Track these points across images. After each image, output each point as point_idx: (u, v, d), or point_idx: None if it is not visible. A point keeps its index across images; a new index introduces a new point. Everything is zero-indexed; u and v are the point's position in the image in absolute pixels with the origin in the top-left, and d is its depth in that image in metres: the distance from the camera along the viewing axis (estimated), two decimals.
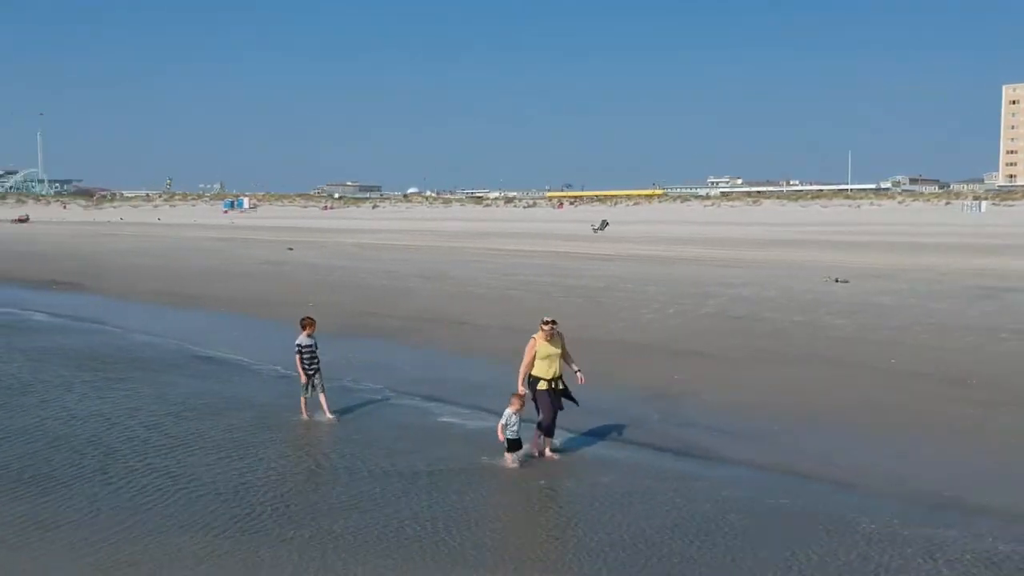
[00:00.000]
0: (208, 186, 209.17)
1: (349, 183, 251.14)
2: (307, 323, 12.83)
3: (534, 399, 10.76)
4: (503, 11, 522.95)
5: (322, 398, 12.65)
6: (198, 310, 24.95)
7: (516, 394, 10.58)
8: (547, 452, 10.80)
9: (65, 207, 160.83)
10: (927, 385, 13.97)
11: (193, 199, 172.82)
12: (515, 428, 10.35)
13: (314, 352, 12.71)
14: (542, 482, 9.97)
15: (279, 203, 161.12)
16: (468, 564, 7.57)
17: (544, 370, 10.76)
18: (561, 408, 10.87)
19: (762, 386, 14.18)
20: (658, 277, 28.90)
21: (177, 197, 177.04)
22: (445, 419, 12.74)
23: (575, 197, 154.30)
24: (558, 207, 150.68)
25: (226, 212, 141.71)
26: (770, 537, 8.18)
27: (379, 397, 14.09)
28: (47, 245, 53.51)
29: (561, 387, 10.87)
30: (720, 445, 11.29)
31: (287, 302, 23.60)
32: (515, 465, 10.33)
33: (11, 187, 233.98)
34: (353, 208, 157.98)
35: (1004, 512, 8.71)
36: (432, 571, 7.42)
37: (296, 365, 12.71)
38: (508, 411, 10.32)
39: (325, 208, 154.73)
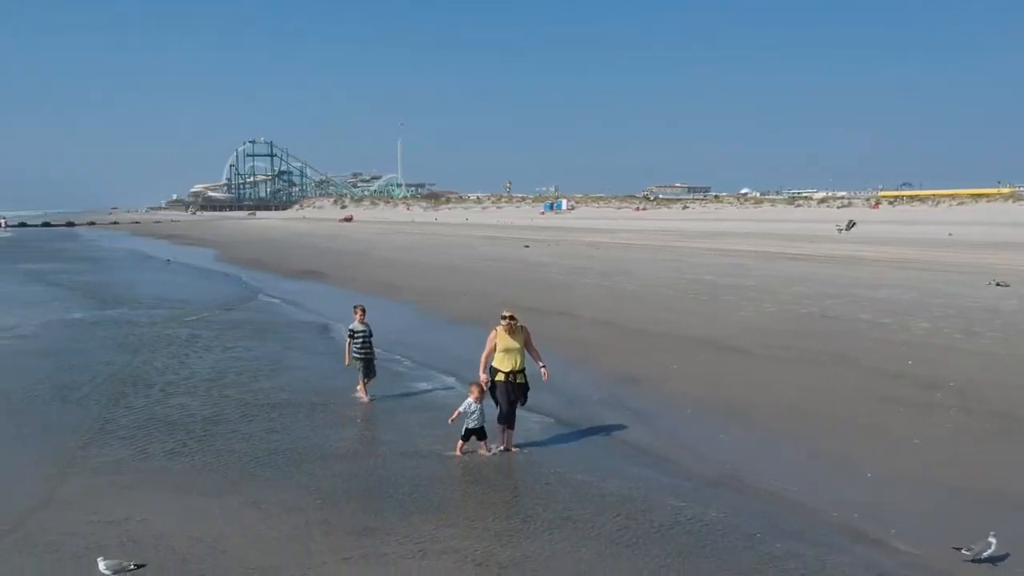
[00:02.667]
0: (544, 189, 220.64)
1: (678, 184, 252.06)
2: (358, 310, 13.69)
3: (492, 390, 10.87)
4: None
5: (363, 382, 13.43)
6: (385, 298, 28.64)
7: (475, 383, 10.79)
8: (511, 446, 10.86)
9: (409, 208, 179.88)
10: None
11: (518, 201, 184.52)
12: (475, 416, 10.55)
13: (365, 338, 13.44)
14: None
15: (595, 204, 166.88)
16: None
17: (503, 362, 10.80)
18: (522, 402, 11.01)
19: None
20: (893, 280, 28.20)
21: (503, 199, 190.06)
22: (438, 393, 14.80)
23: (898, 196, 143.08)
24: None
25: (542, 213, 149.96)
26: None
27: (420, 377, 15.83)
28: (339, 242, 61.91)
29: (520, 381, 10.86)
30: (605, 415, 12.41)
31: (457, 292, 27.11)
32: (463, 455, 10.60)
33: (374, 190, 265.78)
34: (664, 209, 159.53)
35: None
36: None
37: (345, 347, 13.70)
38: (468, 400, 10.58)
39: (637, 209, 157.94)
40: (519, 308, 23.32)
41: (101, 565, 7.06)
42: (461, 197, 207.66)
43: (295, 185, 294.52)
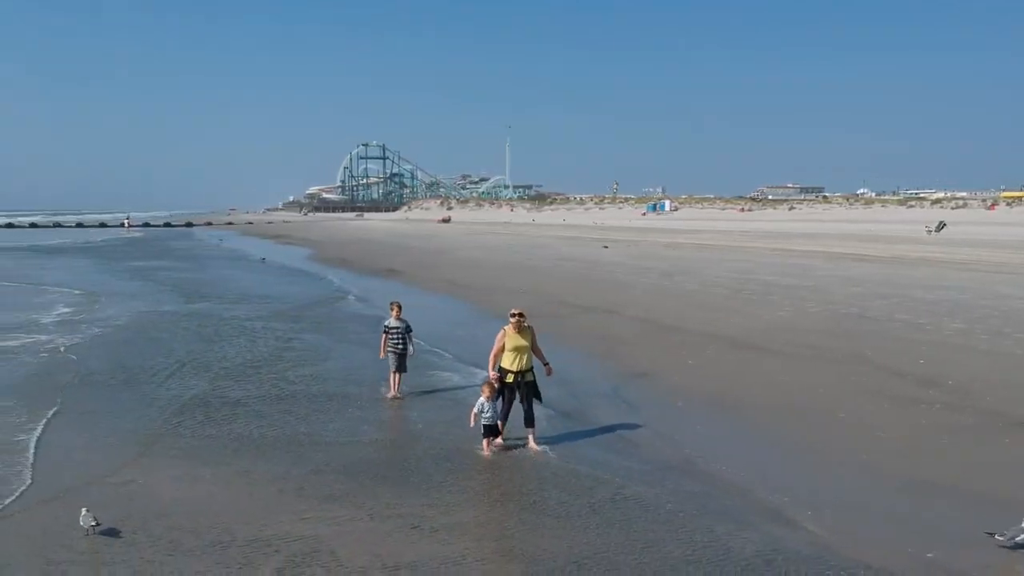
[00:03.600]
0: (651, 190, 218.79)
1: (789, 184, 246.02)
2: (394, 307, 14.11)
3: (501, 390, 11.04)
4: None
5: (396, 376, 13.73)
6: (447, 294, 29.82)
7: (486, 382, 11.00)
8: (532, 444, 10.95)
9: (512, 209, 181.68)
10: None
11: (621, 202, 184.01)
12: (489, 415, 10.76)
13: (400, 334, 13.80)
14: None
15: (699, 206, 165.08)
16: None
17: (510, 362, 10.96)
18: (536, 399, 11.17)
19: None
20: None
21: (606, 201, 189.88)
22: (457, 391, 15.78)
23: (1020, 197, 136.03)
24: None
25: (643, 215, 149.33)
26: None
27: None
28: (429, 241, 63.71)
29: (528, 379, 11.03)
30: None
31: (517, 289, 28.20)
32: (490, 452, 10.79)
33: (481, 192, 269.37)
34: (770, 211, 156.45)
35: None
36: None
37: (381, 342, 14.07)
38: (481, 399, 10.79)
39: (742, 210, 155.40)
40: (567, 304, 24.69)
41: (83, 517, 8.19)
42: (568, 198, 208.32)
43: (406, 187, 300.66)
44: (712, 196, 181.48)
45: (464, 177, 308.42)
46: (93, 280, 35.82)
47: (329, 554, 7.75)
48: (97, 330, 21.49)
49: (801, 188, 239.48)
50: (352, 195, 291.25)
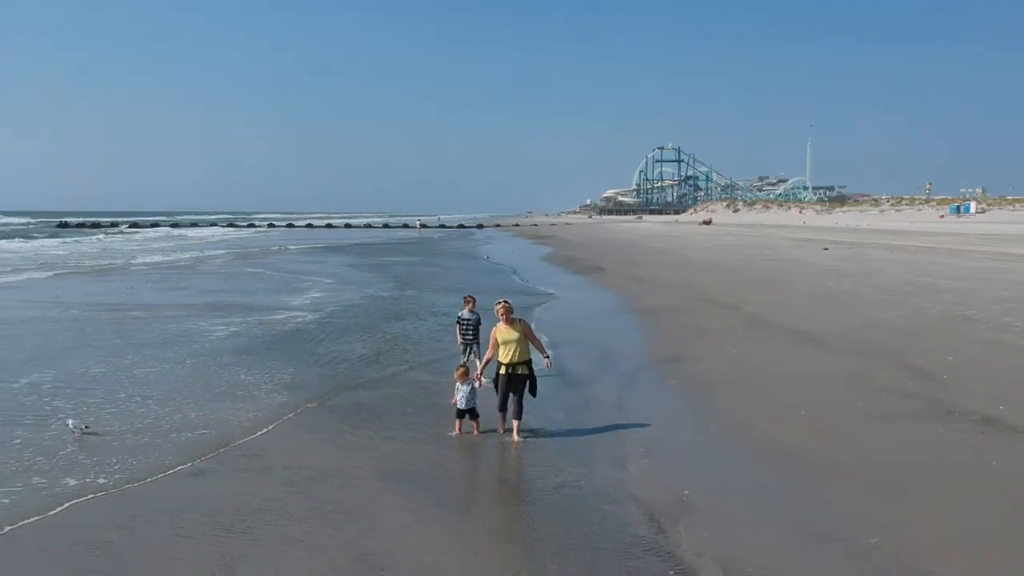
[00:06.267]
0: (968, 190, 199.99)
1: None
2: (468, 300, 15.00)
3: (496, 380, 11.28)
4: None
5: (478, 362, 13.90)
6: (615, 289, 31.68)
7: (461, 366, 11.88)
8: (514, 435, 11.01)
9: (801, 211, 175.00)
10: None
11: (921, 203, 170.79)
12: (462, 397, 11.24)
13: (471, 325, 14.68)
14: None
15: (1010, 207, 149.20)
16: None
17: (503, 355, 11.04)
18: (529, 392, 11.12)
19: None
20: None
21: (904, 202, 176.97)
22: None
23: None
24: None
25: (942, 217, 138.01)
26: None
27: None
28: (662, 242, 64.87)
29: (521, 372, 11.05)
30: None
31: (677, 285, 29.93)
32: (459, 434, 11.21)
33: (779, 194, 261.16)
34: None
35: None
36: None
37: (456, 331, 15.18)
38: (457, 384, 11.37)
39: None
40: (704, 299, 26.03)
41: (70, 423, 11.25)
42: (873, 200, 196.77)
43: (700, 190, 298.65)
44: None
45: (761, 179, 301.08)
46: (341, 272, 41.66)
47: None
48: (333, 307, 26.16)
49: None
50: (646, 198, 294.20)
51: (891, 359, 15.58)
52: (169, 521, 8.21)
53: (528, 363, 11.14)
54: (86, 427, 11.27)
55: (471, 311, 14.89)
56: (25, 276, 37.67)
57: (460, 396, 11.32)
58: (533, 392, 11.21)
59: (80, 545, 7.68)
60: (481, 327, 14.72)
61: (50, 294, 29.56)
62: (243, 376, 15.39)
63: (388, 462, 10.17)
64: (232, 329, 21.16)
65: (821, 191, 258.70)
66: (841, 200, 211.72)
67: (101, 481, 9.40)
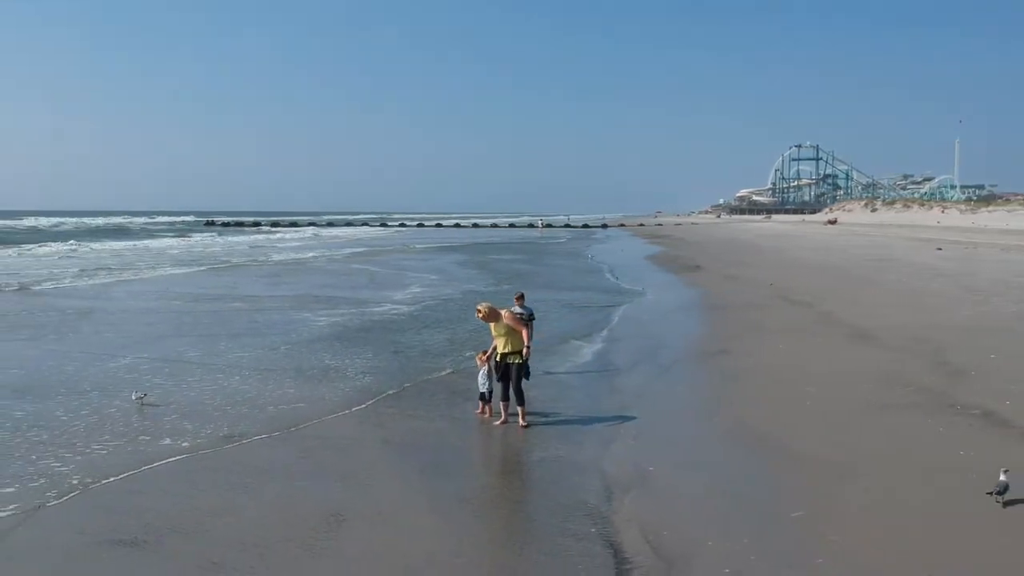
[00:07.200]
0: None
1: None
2: (517, 297, 15.97)
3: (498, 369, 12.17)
4: None
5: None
6: (701, 287, 31.93)
7: (481, 352, 12.81)
8: (520, 420, 11.77)
9: (943, 211, 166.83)
10: None
11: None
12: (481, 382, 12.41)
13: (524, 320, 14.11)
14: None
15: None
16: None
17: (500, 347, 12.06)
18: (522, 378, 11.86)
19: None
20: None
21: None
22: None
23: None
24: None
25: None
26: None
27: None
28: (778, 241, 63.73)
29: (512, 362, 11.90)
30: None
31: (768, 281, 29.96)
32: (480, 417, 12.18)
33: (924, 193, 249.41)
34: None
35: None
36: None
37: None
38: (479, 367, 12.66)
39: None
40: (782, 296, 26.01)
41: (133, 396, 13.03)
42: (1007, 199, 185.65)
43: (839, 189, 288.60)
44: None
45: (905, 177, 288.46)
46: (447, 269, 43.39)
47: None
48: (429, 301, 27.70)
49: None
50: (782, 197, 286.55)
51: (930, 356, 15.62)
52: (241, 472, 9.57)
53: (519, 352, 11.97)
54: (143, 395, 12.90)
55: (522, 306, 15.66)
56: (165, 272, 40.76)
57: (480, 379, 12.47)
58: (526, 376, 12.06)
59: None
60: (534, 321, 15.59)
61: (182, 288, 32.23)
62: (327, 361, 16.69)
63: (403, 437, 11.24)
64: (334, 320, 22.68)
65: (970, 190, 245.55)
66: (989, 199, 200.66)
67: (185, 444, 10.89)
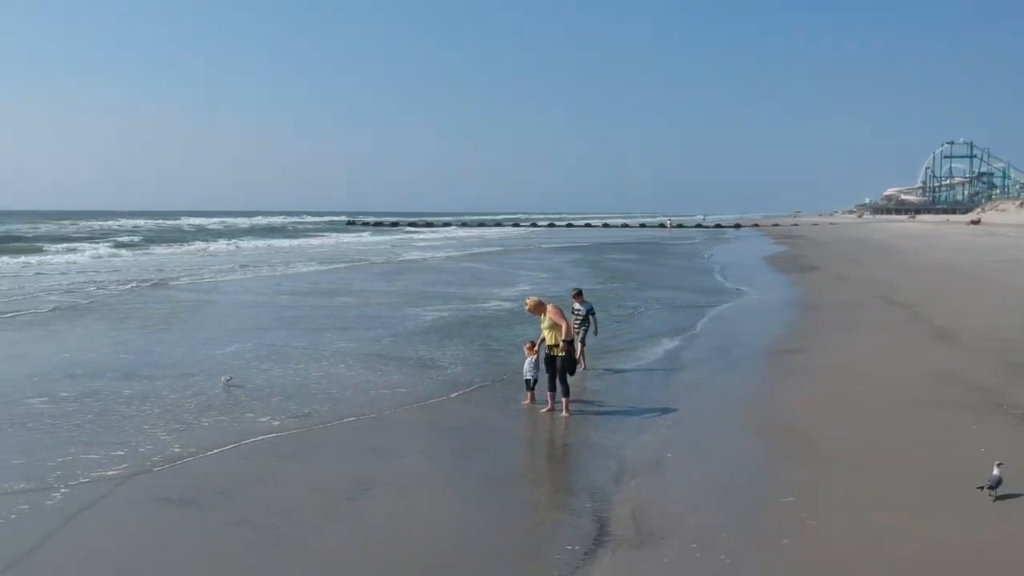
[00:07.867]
0: None
1: None
2: (575, 293, 16.42)
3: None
4: None
5: (580, 346, 15.00)
6: (804, 287, 31.42)
7: (530, 342, 13.32)
8: (564, 411, 12.28)
9: None
10: None
11: None
12: (527, 369, 12.99)
13: (582, 315, 15.89)
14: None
15: None
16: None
17: (547, 339, 12.76)
18: (567, 371, 12.41)
19: None
20: None
21: None
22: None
23: None
24: None
25: None
26: None
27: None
28: (911, 242, 61.17)
29: (556, 354, 12.47)
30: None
31: (879, 281, 29.49)
32: (527, 406, 12.75)
33: None
34: None
35: None
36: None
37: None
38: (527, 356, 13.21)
39: None
40: (883, 296, 25.87)
41: (222, 379, 14.39)
42: None
43: (995, 187, 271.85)
44: None
45: None
46: (560, 268, 44.17)
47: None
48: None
49: None
50: (933, 196, 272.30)
51: (1000, 357, 15.36)
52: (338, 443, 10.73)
53: (561, 345, 12.45)
54: (229, 378, 14.23)
55: (581, 303, 16.17)
56: (310, 268, 43.04)
57: (525, 367, 13.11)
58: (571, 371, 12.60)
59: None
60: (593, 316, 16.17)
61: (313, 280, 34.23)
62: (421, 352, 17.59)
63: (451, 421, 12.10)
64: (442, 315, 23.65)
65: None
66: None
67: (278, 422, 12.15)
